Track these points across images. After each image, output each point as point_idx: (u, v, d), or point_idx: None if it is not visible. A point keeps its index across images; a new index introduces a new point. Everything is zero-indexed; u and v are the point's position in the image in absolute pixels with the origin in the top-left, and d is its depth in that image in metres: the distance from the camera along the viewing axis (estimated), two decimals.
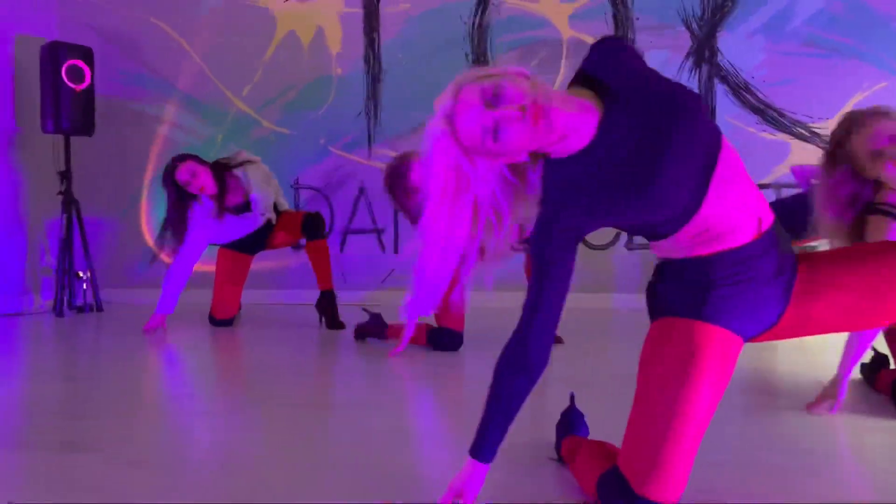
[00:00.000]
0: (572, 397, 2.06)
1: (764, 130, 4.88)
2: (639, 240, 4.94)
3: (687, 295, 1.58)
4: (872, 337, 2.32)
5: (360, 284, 5.24)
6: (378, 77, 5.34)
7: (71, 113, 5.01)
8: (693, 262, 1.58)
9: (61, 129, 5.02)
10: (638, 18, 5.02)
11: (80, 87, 5.05)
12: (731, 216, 1.55)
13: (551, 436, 2.04)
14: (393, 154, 5.17)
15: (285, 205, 4.58)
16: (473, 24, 5.18)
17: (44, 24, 5.43)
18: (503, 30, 5.16)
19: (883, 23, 4.74)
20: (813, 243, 3.99)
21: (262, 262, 4.78)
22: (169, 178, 4.18)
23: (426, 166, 1.53)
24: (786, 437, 2.28)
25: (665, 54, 4.90)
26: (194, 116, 5.55)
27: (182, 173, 4.16)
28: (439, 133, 1.51)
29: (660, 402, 1.54)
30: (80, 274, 5.15)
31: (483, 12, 5.18)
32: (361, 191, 5.37)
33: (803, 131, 4.88)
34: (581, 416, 2.02)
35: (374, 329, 3.76)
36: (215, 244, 4.48)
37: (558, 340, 3.45)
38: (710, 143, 1.54)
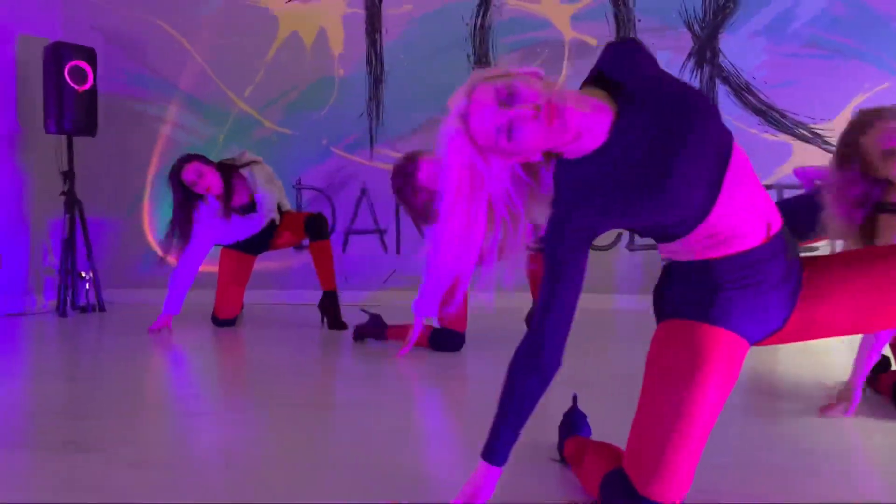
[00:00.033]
0: (575, 398, 2.07)
1: (766, 131, 4.88)
2: (640, 240, 4.94)
3: (694, 297, 1.59)
4: (887, 339, 2.32)
5: (362, 285, 5.24)
6: (380, 78, 5.35)
7: (74, 113, 5.02)
8: (701, 264, 1.58)
9: (64, 129, 5.03)
10: (640, 20, 5.02)
11: (82, 88, 5.06)
12: (740, 219, 1.55)
13: (554, 437, 2.04)
14: (395, 154, 5.19)
15: (288, 205, 4.59)
16: (475, 25, 5.19)
17: (46, 25, 5.44)
18: (505, 31, 5.16)
19: (884, 24, 4.74)
20: (815, 244, 4.00)
21: (264, 263, 4.79)
22: (175, 178, 4.19)
23: (441, 165, 1.54)
24: (787, 438, 2.29)
25: (667, 55, 4.90)
26: (196, 117, 5.56)
27: (188, 173, 4.16)
28: (453, 132, 1.51)
29: (665, 404, 1.55)
30: (83, 274, 5.16)
31: (485, 13, 5.18)
32: (363, 191, 5.37)
33: (805, 132, 4.88)
34: (583, 416, 2.03)
35: (373, 330, 3.76)
36: (220, 245, 4.49)
37: None
38: (722, 146, 1.55)
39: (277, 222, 4.48)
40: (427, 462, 2.16)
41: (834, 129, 4.77)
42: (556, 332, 1.55)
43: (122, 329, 4.56)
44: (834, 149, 2.56)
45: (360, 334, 3.80)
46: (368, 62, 5.36)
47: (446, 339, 3.53)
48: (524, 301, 3.61)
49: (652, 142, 1.50)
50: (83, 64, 5.08)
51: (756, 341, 1.63)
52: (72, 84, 5.00)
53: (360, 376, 3.35)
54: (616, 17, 5.04)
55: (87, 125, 5.11)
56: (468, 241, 1.52)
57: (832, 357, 3.35)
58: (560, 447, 1.99)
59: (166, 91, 5.56)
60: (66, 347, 4.28)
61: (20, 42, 5.23)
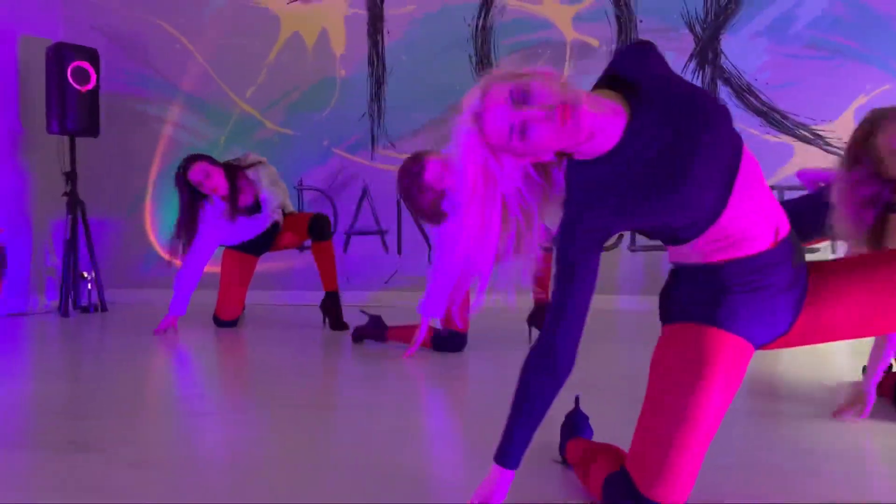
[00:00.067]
0: (577, 399, 2.07)
1: (767, 132, 4.89)
2: (642, 241, 4.95)
3: (701, 300, 1.59)
4: None
5: (364, 285, 5.25)
6: (382, 79, 5.35)
7: (76, 114, 5.03)
8: (709, 268, 1.59)
9: (66, 130, 5.04)
10: (641, 20, 5.02)
11: (85, 89, 5.07)
12: (749, 223, 1.56)
13: (556, 438, 2.04)
14: (397, 155, 5.20)
15: (290, 206, 4.59)
16: (477, 26, 5.19)
17: (48, 25, 5.45)
18: (507, 32, 5.17)
19: (886, 25, 4.75)
20: (816, 245, 4.00)
21: (266, 263, 4.79)
22: (182, 178, 4.19)
23: (453, 165, 1.54)
24: (788, 438, 2.29)
25: (668, 56, 4.84)
26: (198, 117, 5.57)
27: (195, 173, 4.17)
28: (467, 132, 1.51)
29: (670, 406, 1.55)
30: (85, 274, 5.17)
31: (486, 14, 5.19)
32: (365, 192, 5.38)
33: (806, 133, 4.88)
34: (585, 418, 2.03)
35: (373, 331, 3.75)
36: (224, 245, 4.50)
37: None
38: (733, 149, 1.56)
39: (280, 223, 4.48)
40: (428, 462, 2.17)
41: (835, 130, 4.78)
42: (568, 333, 1.56)
43: (124, 329, 4.57)
44: (844, 148, 2.54)
45: (360, 335, 3.80)
46: (370, 63, 5.37)
47: (449, 340, 3.53)
48: (525, 301, 3.62)
49: (665, 144, 1.51)
50: (86, 64, 5.09)
51: (761, 345, 1.63)
52: (74, 84, 5.01)
53: (362, 377, 3.35)
54: (617, 18, 5.04)
55: (90, 126, 5.13)
56: (483, 241, 1.52)
57: (833, 358, 3.35)
58: (562, 448, 1.99)
59: (168, 92, 5.58)
60: (68, 347, 4.29)
61: (22, 43, 5.24)
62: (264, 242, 4.51)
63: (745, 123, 4.87)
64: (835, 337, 1.67)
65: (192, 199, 4.19)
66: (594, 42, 5.05)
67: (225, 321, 4.45)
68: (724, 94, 4.95)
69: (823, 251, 4.33)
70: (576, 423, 2.01)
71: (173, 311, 4.19)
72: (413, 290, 4.92)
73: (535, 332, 3.72)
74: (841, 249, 4.22)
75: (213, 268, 4.57)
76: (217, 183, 4.19)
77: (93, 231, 5.21)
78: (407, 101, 5.25)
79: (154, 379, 3.49)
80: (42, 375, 3.46)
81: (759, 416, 2.52)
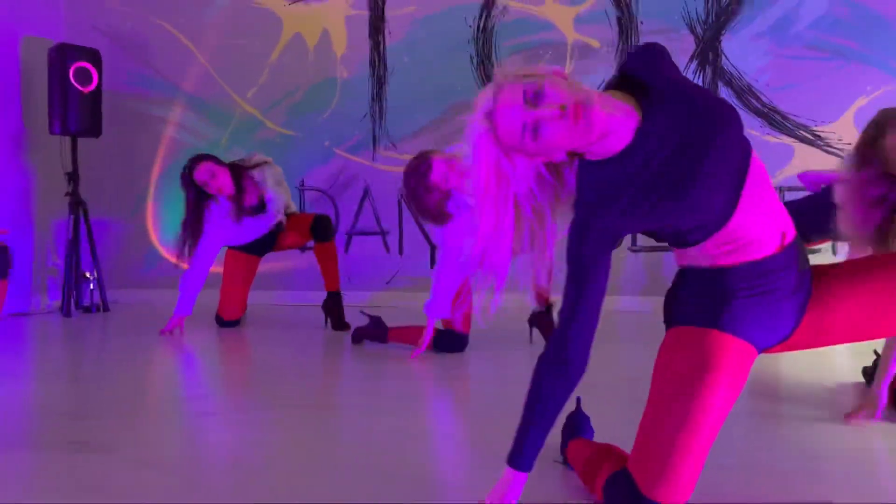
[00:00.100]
0: (578, 400, 2.07)
1: (768, 134, 4.89)
2: (643, 242, 4.95)
3: (706, 304, 1.60)
4: None
5: (365, 286, 5.26)
6: (383, 79, 5.36)
7: (78, 114, 5.04)
8: (715, 271, 1.59)
9: (69, 130, 5.05)
10: (642, 22, 5.03)
11: (87, 89, 5.08)
12: (757, 228, 1.57)
13: (557, 438, 2.05)
14: (398, 156, 5.21)
15: (293, 207, 4.60)
16: (478, 27, 5.20)
17: (51, 26, 5.45)
18: (508, 33, 5.17)
19: (886, 26, 4.75)
20: (817, 246, 4.00)
21: (268, 264, 4.80)
22: (187, 177, 4.20)
23: (468, 164, 1.55)
24: (788, 439, 2.30)
25: None
26: (200, 118, 5.58)
27: (201, 173, 4.18)
28: (479, 131, 1.51)
29: (673, 409, 1.56)
30: (87, 274, 5.18)
31: (488, 15, 5.19)
32: (366, 192, 5.39)
33: (807, 134, 4.89)
34: (586, 418, 2.04)
35: (373, 333, 3.75)
36: (228, 245, 4.50)
37: None
38: (743, 153, 1.57)
39: (284, 224, 4.49)
40: (430, 462, 2.18)
41: (836, 131, 4.79)
42: (581, 334, 1.56)
43: (126, 329, 4.58)
44: (849, 149, 2.54)
45: (359, 336, 3.80)
46: (371, 64, 5.37)
47: (450, 341, 3.54)
48: (524, 302, 3.62)
49: (676, 146, 1.52)
50: (88, 65, 5.10)
51: (764, 349, 1.64)
52: (76, 85, 5.02)
53: (363, 377, 3.36)
54: (619, 19, 5.05)
55: (92, 126, 5.13)
56: (498, 240, 1.52)
57: (833, 359, 3.36)
58: (563, 449, 2.00)
59: (170, 92, 5.58)
60: (70, 347, 4.30)
61: (24, 43, 5.25)
62: (267, 243, 4.52)
63: (745, 124, 4.85)
64: (837, 340, 1.68)
65: (197, 198, 4.20)
66: (595, 43, 5.05)
67: (227, 321, 4.46)
68: (724, 95, 4.95)
69: (824, 252, 4.34)
70: (577, 424, 2.01)
71: (179, 311, 4.19)
72: (414, 290, 4.93)
73: (536, 333, 3.73)
74: (842, 250, 4.23)
75: (215, 268, 4.58)
76: (223, 183, 4.19)
77: (95, 231, 5.22)
78: (408, 102, 5.26)
79: (156, 379, 3.50)
80: (44, 376, 3.47)
81: (760, 416, 2.53)
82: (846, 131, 4.74)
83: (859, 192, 2.37)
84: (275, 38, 5.47)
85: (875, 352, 2.81)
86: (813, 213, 2.64)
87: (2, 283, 2.29)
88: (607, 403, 2.34)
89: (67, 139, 5.13)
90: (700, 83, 4.95)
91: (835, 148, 4.79)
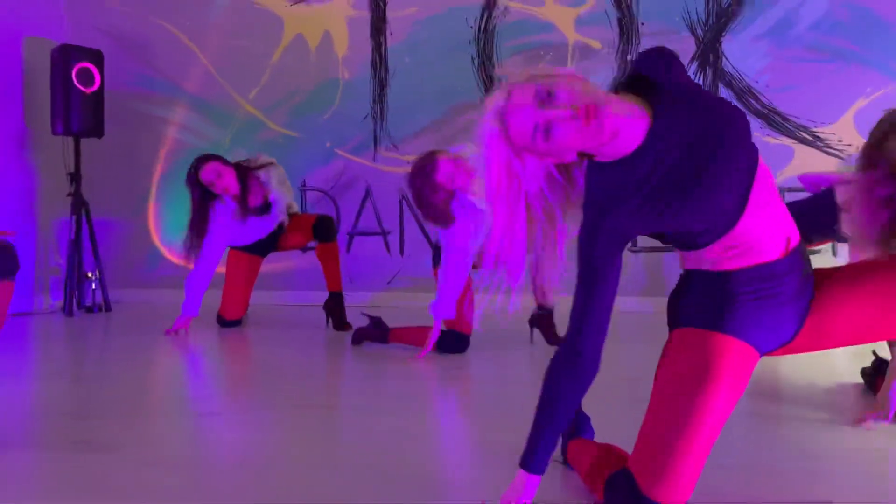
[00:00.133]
0: None
1: (768, 135, 4.90)
2: (643, 243, 4.96)
3: (710, 306, 1.61)
4: None
5: (366, 286, 5.27)
6: (384, 80, 5.37)
7: (81, 115, 5.06)
8: (720, 275, 1.60)
9: (71, 131, 5.07)
10: (643, 23, 5.04)
11: (90, 90, 5.10)
12: (762, 232, 1.58)
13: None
14: (399, 157, 5.22)
15: (296, 207, 4.61)
16: (479, 28, 5.21)
17: (53, 27, 5.47)
18: (509, 34, 5.18)
19: (886, 28, 4.76)
20: (818, 247, 4.01)
21: (269, 264, 4.81)
22: (193, 177, 4.21)
23: (479, 164, 1.54)
24: (789, 439, 2.31)
25: None
26: (202, 118, 5.59)
27: (207, 173, 4.18)
28: (491, 131, 1.52)
29: (675, 409, 1.57)
30: (89, 274, 5.19)
31: (489, 17, 5.20)
32: (368, 193, 5.40)
33: (807, 136, 4.90)
34: (587, 418, 2.05)
35: (374, 333, 3.76)
36: (232, 245, 4.51)
37: (557, 340, 3.46)
38: (750, 157, 1.58)
39: (286, 224, 4.50)
40: (431, 462, 2.18)
41: (835, 132, 4.80)
42: (593, 335, 1.56)
43: (128, 329, 4.59)
44: (860, 150, 2.54)
45: (359, 337, 3.81)
46: (373, 65, 5.38)
47: (452, 342, 3.54)
48: (526, 302, 3.63)
49: (686, 148, 1.53)
50: (90, 66, 5.11)
51: (766, 352, 1.65)
52: (79, 86, 5.04)
53: (364, 377, 3.37)
54: (619, 20, 5.06)
55: (94, 127, 5.15)
56: (511, 240, 1.53)
57: (833, 360, 3.37)
58: (563, 449, 2.01)
59: (172, 93, 5.59)
60: (72, 347, 4.31)
61: (27, 44, 5.26)
62: (270, 243, 4.54)
63: None
64: (839, 343, 1.69)
65: (202, 198, 4.21)
66: (596, 44, 5.06)
67: (229, 321, 4.47)
68: (725, 96, 4.96)
69: (824, 253, 4.34)
70: (577, 424, 2.02)
71: (185, 312, 4.19)
72: (415, 290, 4.95)
73: (537, 334, 3.74)
74: (842, 251, 4.24)
75: (218, 268, 4.59)
76: (228, 183, 4.20)
77: (97, 231, 5.23)
78: (409, 103, 5.27)
79: (157, 379, 3.51)
80: (46, 375, 3.48)
81: (760, 417, 2.53)
82: (846, 132, 4.76)
83: (867, 193, 2.37)
84: (276, 38, 5.48)
85: (874, 353, 2.82)
86: (814, 214, 2.64)
87: (9, 283, 2.29)
88: (607, 403, 2.35)
89: (70, 139, 5.15)
90: (700, 84, 4.96)
91: (834, 149, 4.80)
